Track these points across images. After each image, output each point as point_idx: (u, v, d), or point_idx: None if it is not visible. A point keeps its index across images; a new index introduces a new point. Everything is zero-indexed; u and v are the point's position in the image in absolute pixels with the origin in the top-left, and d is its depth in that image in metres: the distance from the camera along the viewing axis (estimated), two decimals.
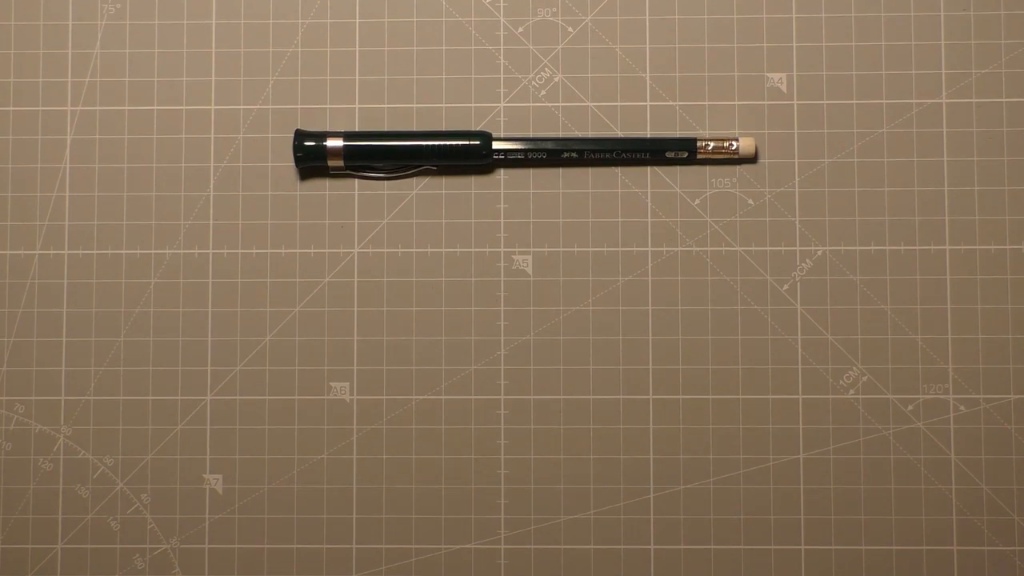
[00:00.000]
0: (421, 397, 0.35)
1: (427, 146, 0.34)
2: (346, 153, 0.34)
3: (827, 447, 0.34)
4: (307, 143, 0.34)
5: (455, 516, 0.34)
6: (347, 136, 0.34)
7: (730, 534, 0.34)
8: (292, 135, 0.35)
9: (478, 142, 0.34)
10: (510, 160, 0.35)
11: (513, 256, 0.35)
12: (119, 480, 0.35)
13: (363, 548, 0.34)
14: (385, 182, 0.35)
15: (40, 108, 0.35)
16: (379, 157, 0.34)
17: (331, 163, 0.34)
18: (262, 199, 0.35)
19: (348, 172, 0.35)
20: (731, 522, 0.34)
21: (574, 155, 0.34)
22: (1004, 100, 0.34)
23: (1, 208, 0.35)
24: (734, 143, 0.34)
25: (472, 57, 0.35)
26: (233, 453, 0.35)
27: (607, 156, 0.34)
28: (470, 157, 0.34)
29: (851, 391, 0.34)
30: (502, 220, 0.35)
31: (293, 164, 0.35)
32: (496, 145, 0.34)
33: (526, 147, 0.34)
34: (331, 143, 0.34)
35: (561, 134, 0.35)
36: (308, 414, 0.35)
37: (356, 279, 0.35)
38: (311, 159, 0.34)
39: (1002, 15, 0.35)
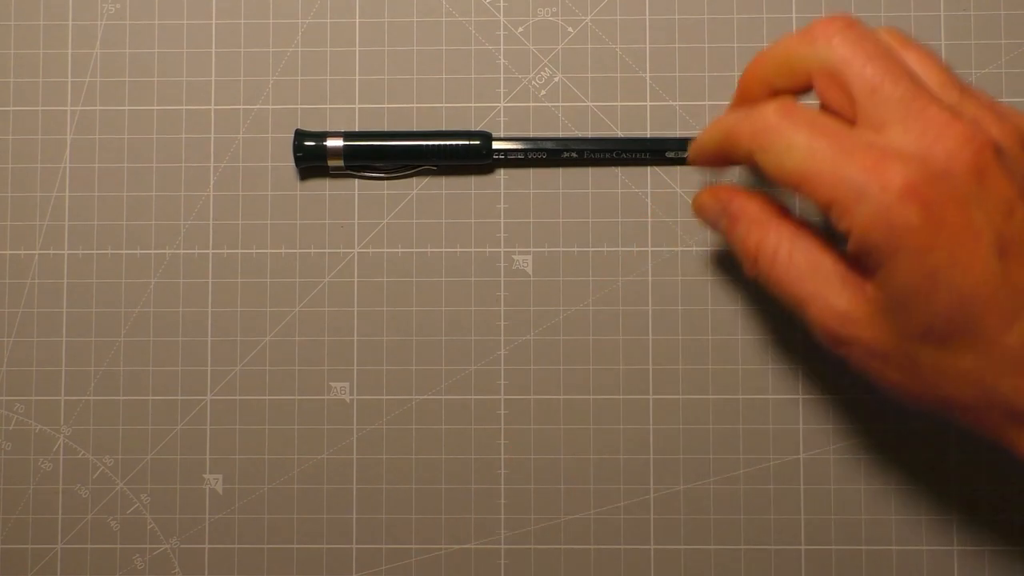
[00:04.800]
0: (421, 397, 0.35)
1: (427, 146, 0.34)
2: (346, 153, 0.34)
3: (827, 447, 0.34)
4: (307, 143, 0.34)
5: (455, 516, 0.34)
6: (347, 136, 0.34)
7: (730, 534, 0.34)
8: (292, 135, 0.35)
9: (478, 142, 0.34)
10: (510, 160, 0.35)
11: (513, 256, 0.35)
12: (119, 480, 0.35)
13: (363, 548, 0.34)
14: (385, 182, 0.35)
15: (40, 108, 0.35)
16: (379, 157, 0.34)
17: (331, 163, 0.34)
18: (262, 199, 0.35)
19: (348, 172, 0.35)
20: (731, 522, 0.34)
21: (574, 155, 0.34)
22: (1004, 100, 0.34)
23: (1, 208, 0.35)
24: None
25: (472, 57, 0.35)
26: (233, 453, 0.35)
27: (607, 156, 0.34)
28: (470, 157, 0.34)
29: (851, 391, 0.34)
30: (502, 220, 0.35)
31: (293, 164, 0.35)
32: (496, 145, 0.34)
33: (526, 147, 0.34)
34: (331, 143, 0.34)
35: (561, 134, 0.35)
36: (308, 414, 0.35)
37: (356, 279, 0.35)
38: (311, 159, 0.34)
39: (1002, 15, 0.35)
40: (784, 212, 0.30)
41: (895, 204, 0.25)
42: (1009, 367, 0.26)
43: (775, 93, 0.29)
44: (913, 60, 0.28)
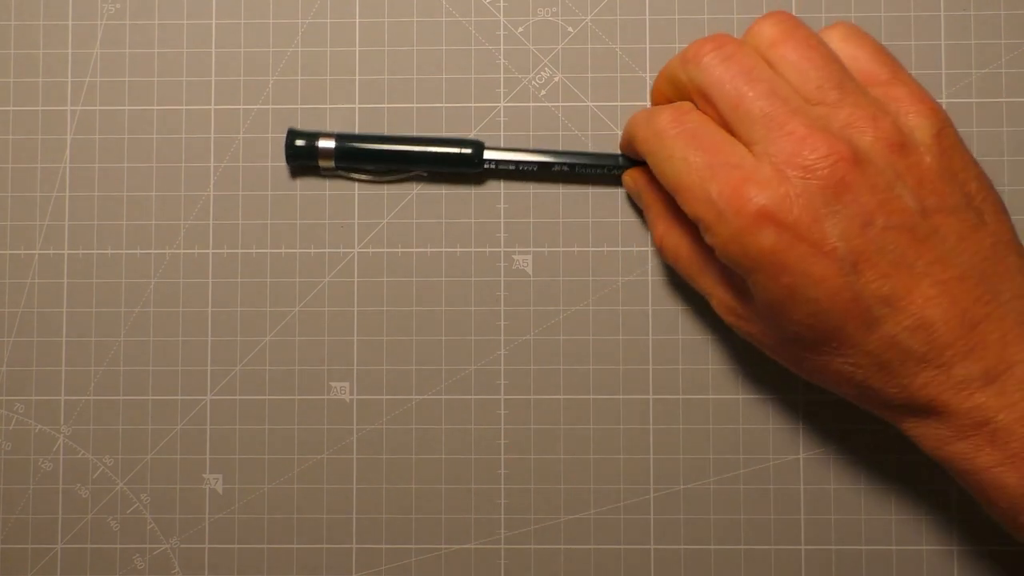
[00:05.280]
0: (421, 397, 0.35)
1: (418, 152, 0.34)
2: (337, 155, 0.34)
3: (827, 447, 0.34)
4: (298, 142, 0.34)
5: (455, 516, 0.34)
6: (339, 138, 0.34)
7: (730, 534, 0.34)
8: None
9: (469, 151, 0.34)
10: (500, 171, 0.35)
11: (513, 256, 0.35)
12: (119, 480, 0.35)
13: (363, 548, 0.34)
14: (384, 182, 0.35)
15: (40, 108, 0.35)
16: (370, 160, 0.34)
17: (322, 163, 0.34)
18: (262, 199, 0.35)
19: (339, 173, 0.35)
20: (731, 522, 0.34)
21: (564, 168, 0.34)
22: (1004, 100, 0.34)
23: (1, 208, 0.35)
24: None
25: (472, 57, 0.35)
26: (233, 453, 0.35)
27: (598, 172, 0.34)
28: (461, 165, 0.34)
29: None
30: (502, 220, 0.35)
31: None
32: (488, 155, 0.34)
33: (517, 159, 0.34)
34: (323, 144, 0.34)
35: (561, 134, 0.35)
36: (308, 414, 0.35)
37: (356, 279, 0.35)
38: (302, 158, 0.34)
39: (1002, 15, 0.35)
40: None
41: (749, 228, 0.26)
42: (875, 367, 0.27)
43: None
44: (794, 59, 0.28)
